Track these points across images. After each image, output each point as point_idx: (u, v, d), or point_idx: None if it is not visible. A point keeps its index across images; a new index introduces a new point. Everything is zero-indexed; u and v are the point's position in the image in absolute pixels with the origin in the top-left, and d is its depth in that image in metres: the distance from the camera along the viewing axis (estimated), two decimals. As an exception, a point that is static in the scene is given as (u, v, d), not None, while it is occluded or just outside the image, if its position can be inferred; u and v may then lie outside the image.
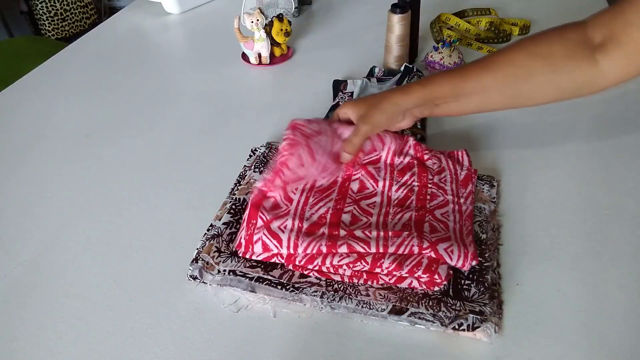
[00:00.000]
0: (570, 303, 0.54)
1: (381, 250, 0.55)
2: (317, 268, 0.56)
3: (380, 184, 0.65)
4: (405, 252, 0.55)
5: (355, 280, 0.55)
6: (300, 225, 0.58)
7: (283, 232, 0.57)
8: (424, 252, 0.54)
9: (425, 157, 0.68)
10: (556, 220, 0.63)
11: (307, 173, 0.65)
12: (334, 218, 0.60)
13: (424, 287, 0.54)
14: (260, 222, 0.59)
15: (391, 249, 0.55)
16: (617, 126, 0.79)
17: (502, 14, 1.12)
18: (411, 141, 0.70)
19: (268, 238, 0.57)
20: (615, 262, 0.58)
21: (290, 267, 0.57)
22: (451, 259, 0.54)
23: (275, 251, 0.57)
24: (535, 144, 0.76)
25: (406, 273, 0.53)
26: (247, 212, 0.60)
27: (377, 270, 0.54)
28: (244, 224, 0.59)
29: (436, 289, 0.54)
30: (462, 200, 0.63)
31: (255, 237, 0.57)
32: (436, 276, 0.52)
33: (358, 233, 0.57)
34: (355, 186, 0.65)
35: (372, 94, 0.69)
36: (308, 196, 0.63)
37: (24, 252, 0.63)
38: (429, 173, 0.66)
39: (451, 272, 0.55)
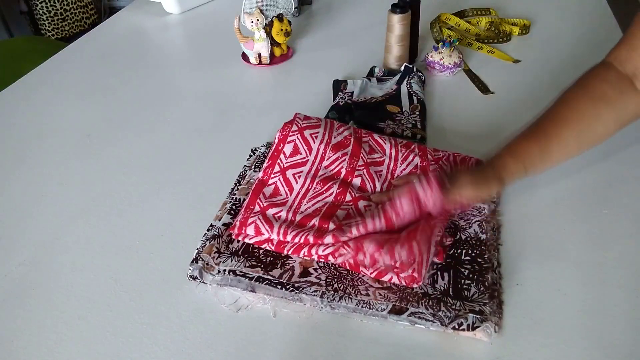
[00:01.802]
0: (570, 303, 0.54)
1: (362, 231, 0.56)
2: (304, 255, 0.58)
3: (378, 190, 0.66)
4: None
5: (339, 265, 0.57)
6: (293, 218, 0.61)
7: (277, 220, 0.61)
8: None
9: (430, 167, 0.69)
10: (556, 220, 0.63)
11: (305, 160, 0.68)
12: (329, 210, 0.62)
13: (404, 282, 0.54)
14: (257, 208, 0.62)
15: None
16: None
17: (502, 14, 1.12)
18: (417, 150, 0.70)
19: (262, 222, 0.59)
20: (615, 262, 0.58)
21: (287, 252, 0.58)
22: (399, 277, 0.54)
23: (267, 236, 0.59)
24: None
25: (387, 255, 0.53)
26: (247, 199, 0.64)
27: (360, 256, 0.55)
28: (242, 209, 0.62)
29: (436, 287, 0.54)
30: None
31: (249, 220, 0.60)
32: (415, 273, 0.53)
33: (345, 228, 0.58)
34: (357, 182, 0.67)
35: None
36: (309, 188, 0.65)
37: (24, 252, 0.63)
38: None
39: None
